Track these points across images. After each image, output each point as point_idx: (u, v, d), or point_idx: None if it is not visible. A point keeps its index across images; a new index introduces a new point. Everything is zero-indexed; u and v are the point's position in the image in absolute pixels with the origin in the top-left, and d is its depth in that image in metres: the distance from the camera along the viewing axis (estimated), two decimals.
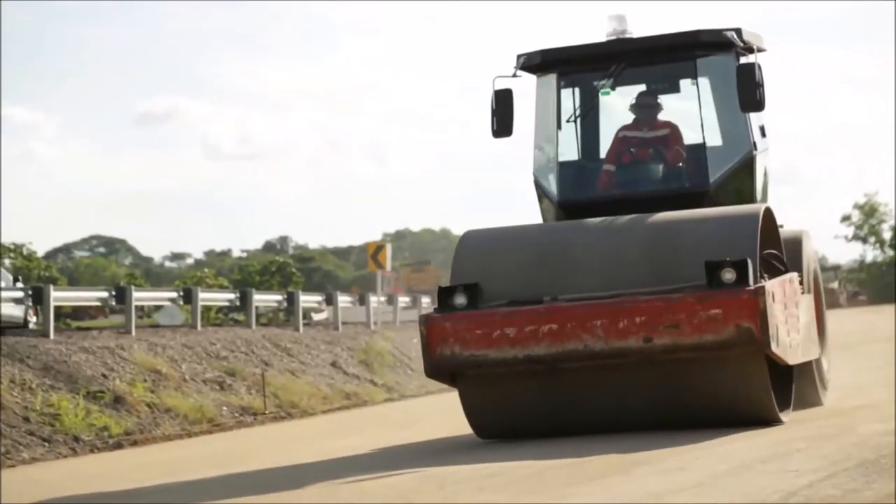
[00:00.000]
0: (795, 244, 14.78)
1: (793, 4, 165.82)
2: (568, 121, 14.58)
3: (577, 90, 14.73)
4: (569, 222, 13.89)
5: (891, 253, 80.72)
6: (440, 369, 12.83)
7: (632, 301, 12.28)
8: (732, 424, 12.42)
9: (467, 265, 13.21)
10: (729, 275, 12.16)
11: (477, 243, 13.45)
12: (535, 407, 13.01)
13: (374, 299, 34.04)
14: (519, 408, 13.06)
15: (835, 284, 77.36)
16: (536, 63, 14.53)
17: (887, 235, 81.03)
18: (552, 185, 14.42)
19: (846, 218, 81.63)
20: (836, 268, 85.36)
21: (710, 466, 9.95)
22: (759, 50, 14.32)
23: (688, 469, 9.91)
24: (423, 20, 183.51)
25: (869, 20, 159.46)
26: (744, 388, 12.46)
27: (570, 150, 14.66)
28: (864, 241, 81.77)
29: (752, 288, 12.05)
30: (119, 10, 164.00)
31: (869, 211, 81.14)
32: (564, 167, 14.49)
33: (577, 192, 14.44)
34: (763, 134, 14.64)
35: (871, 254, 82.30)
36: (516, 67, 14.54)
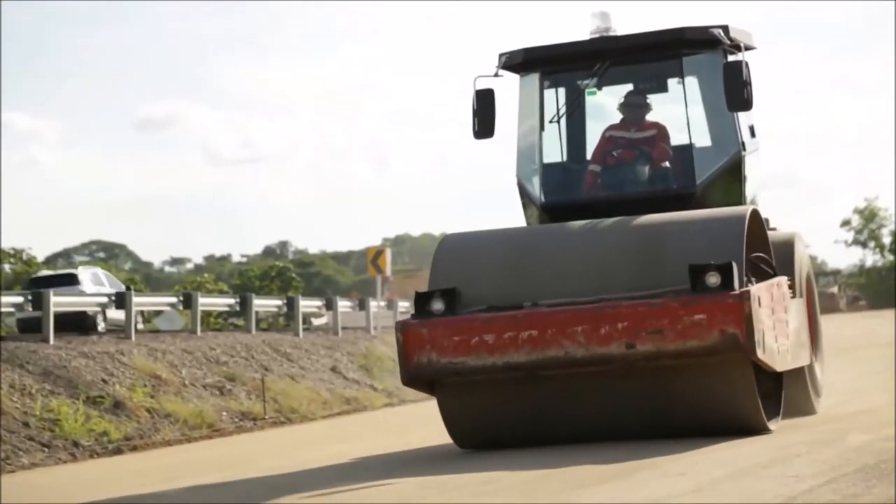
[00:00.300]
0: (787, 247, 14.40)
1: (793, 6, 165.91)
2: (551, 121, 14.23)
3: (560, 90, 14.37)
4: (550, 225, 13.57)
5: (891, 258, 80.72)
6: (417, 377, 12.49)
7: (614, 306, 11.94)
8: (719, 433, 12.12)
9: (446, 270, 12.84)
10: (713, 279, 11.84)
11: (456, 247, 13.10)
12: (515, 416, 12.66)
13: (373, 304, 34.05)
14: (499, 417, 12.72)
15: (834, 289, 77.37)
16: (518, 62, 14.16)
17: (887, 240, 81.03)
18: (536, 187, 14.07)
19: (846, 222, 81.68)
20: (836, 272, 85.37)
21: (709, 471, 9.94)
22: (748, 48, 13.98)
23: (687, 474, 9.90)
24: (422, 20, 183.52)
25: (869, 22, 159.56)
26: (730, 396, 12.15)
27: (554, 151, 14.30)
28: (864, 245, 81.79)
29: (736, 292, 11.73)
30: (119, 14, 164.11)
31: (869, 215, 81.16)
32: (548, 169, 14.15)
33: (561, 195, 14.11)
34: (753, 134, 14.28)
35: (871, 258, 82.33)
36: (498, 66, 14.16)
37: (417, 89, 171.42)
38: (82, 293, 27.08)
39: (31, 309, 23.00)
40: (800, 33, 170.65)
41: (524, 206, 14.29)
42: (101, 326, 26.84)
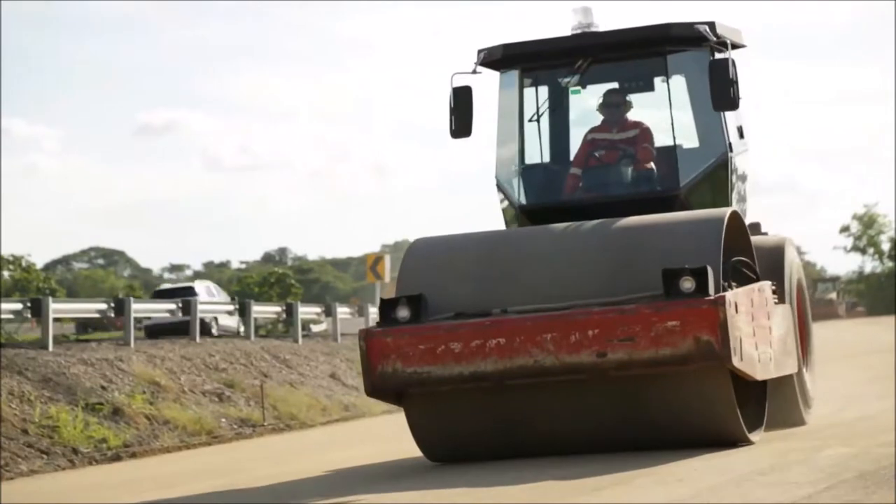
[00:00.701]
0: (777, 252, 13.95)
1: (794, 12, 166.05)
2: (530, 120, 13.79)
3: (543, 88, 13.92)
4: (523, 228, 13.18)
5: (890, 264, 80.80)
6: (382, 388, 11.93)
7: (584, 313, 11.47)
8: (697, 445, 11.67)
9: (413, 275, 12.34)
10: (688, 284, 11.33)
11: (425, 252, 12.59)
12: (485, 427, 12.19)
13: (373, 310, 34.01)
14: (468, 428, 12.25)
15: (833, 295, 77.47)
16: (498, 58, 13.67)
17: (886, 247, 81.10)
18: (514, 189, 13.62)
19: (845, 228, 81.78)
20: (836, 279, 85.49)
21: (708, 478, 9.93)
22: (736, 45, 13.53)
23: (686, 480, 9.89)
24: (428, 35, 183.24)
25: (871, 31, 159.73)
26: (707, 406, 11.67)
27: (535, 151, 13.85)
28: (863, 252, 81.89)
29: (711, 298, 11.25)
30: (118, 21, 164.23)
31: (868, 222, 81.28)
32: (528, 170, 13.71)
33: (540, 197, 13.66)
34: (741, 135, 13.81)
35: (870, 264, 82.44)
36: (477, 63, 13.69)
37: (418, 97, 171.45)
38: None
39: (29, 315, 23.04)
40: (800, 37, 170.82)
41: (503, 207, 13.87)
42: (214, 330, 29.58)
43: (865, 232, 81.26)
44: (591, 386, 11.75)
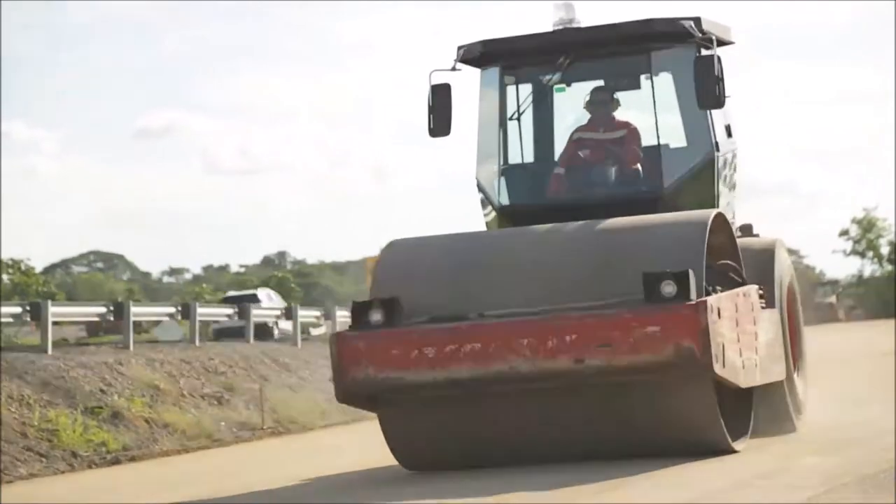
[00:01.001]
0: (767, 254, 13.56)
1: (795, 14, 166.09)
2: (511, 118, 13.46)
3: (523, 85, 13.57)
4: (503, 230, 12.90)
5: (889, 268, 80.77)
6: (354, 393, 11.66)
7: (561, 318, 11.13)
8: (680, 454, 11.37)
9: (388, 277, 11.97)
10: (669, 288, 10.95)
11: (400, 254, 12.24)
12: (461, 435, 11.87)
13: None
14: (444, 436, 11.92)
15: (832, 299, 77.44)
16: (477, 55, 13.37)
17: (885, 250, 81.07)
18: (495, 189, 13.28)
19: (844, 232, 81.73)
20: (835, 282, 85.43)
21: (708, 481, 9.94)
22: (722, 42, 13.20)
23: (685, 485, 9.90)
24: (428, 35, 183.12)
25: (870, 32, 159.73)
26: (689, 414, 11.34)
27: (516, 150, 13.55)
28: (863, 255, 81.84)
29: (692, 303, 10.87)
30: (117, 23, 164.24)
31: (867, 225, 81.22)
32: (509, 170, 13.38)
33: (521, 198, 13.37)
34: (729, 134, 13.53)
35: (869, 268, 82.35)
36: (456, 60, 13.40)
37: (418, 98, 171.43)
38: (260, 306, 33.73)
39: (29, 319, 23.05)
40: (800, 37, 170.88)
41: (483, 208, 13.54)
42: (275, 333, 31.37)
43: (865, 236, 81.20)
44: (573, 393, 11.45)
